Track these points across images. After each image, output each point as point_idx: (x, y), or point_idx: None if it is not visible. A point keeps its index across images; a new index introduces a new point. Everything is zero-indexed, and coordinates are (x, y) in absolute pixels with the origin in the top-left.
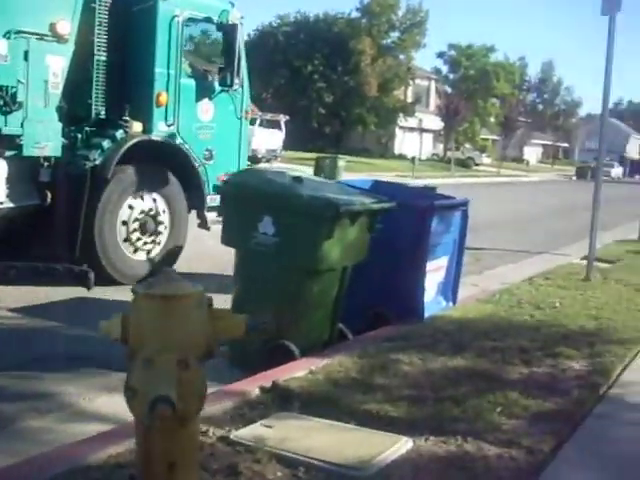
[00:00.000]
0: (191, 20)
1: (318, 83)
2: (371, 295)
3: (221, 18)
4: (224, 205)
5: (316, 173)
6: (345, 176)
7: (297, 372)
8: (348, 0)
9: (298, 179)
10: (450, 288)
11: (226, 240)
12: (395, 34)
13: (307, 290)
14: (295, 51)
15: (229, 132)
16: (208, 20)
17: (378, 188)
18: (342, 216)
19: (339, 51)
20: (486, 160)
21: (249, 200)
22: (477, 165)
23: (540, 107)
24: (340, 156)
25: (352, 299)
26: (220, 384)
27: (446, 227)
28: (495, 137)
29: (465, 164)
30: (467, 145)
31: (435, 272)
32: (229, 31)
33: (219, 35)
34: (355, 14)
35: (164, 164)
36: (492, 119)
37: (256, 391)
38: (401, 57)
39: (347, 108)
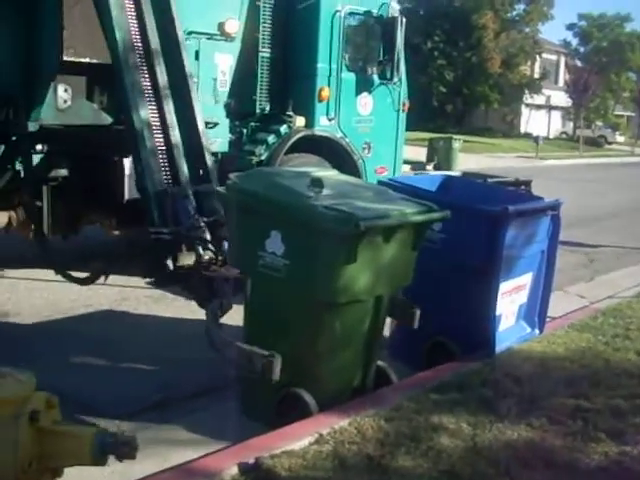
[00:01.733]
0: (352, 14)
1: (438, 60)
2: (430, 321)
3: (381, 11)
4: (227, 216)
5: (429, 155)
6: (461, 158)
7: (297, 440)
8: None
9: (317, 182)
10: (536, 312)
11: (232, 260)
12: (520, 6)
13: (327, 326)
14: (414, 27)
15: (387, 125)
16: (368, 14)
17: (449, 186)
18: (367, 233)
19: (460, 26)
20: (620, 138)
21: (255, 210)
22: (610, 144)
23: None
24: (455, 137)
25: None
26: (218, 441)
27: (529, 237)
28: (630, 114)
29: (596, 143)
30: (599, 123)
31: (514, 293)
32: (389, 24)
33: (379, 28)
34: None
35: (326, 158)
36: (626, 94)
37: (232, 471)
38: (527, 30)
39: (469, 86)
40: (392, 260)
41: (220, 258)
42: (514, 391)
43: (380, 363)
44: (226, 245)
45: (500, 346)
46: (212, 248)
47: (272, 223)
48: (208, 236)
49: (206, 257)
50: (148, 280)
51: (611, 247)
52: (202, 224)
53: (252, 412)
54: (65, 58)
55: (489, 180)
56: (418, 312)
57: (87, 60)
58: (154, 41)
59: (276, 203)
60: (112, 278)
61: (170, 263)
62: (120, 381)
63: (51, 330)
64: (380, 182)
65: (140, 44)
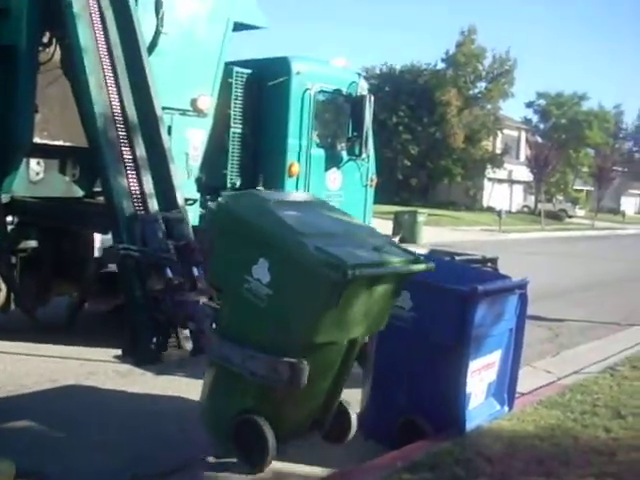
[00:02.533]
0: (322, 92)
1: (403, 135)
2: (402, 398)
3: (350, 90)
4: (212, 233)
5: (395, 229)
6: (426, 231)
7: None
8: (433, 51)
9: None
10: (505, 389)
11: (212, 277)
12: (482, 84)
13: None
14: (380, 103)
15: (356, 200)
16: (338, 92)
17: None
18: (355, 280)
19: (424, 102)
20: (580, 212)
21: (245, 235)
22: (570, 217)
23: (638, 155)
24: (420, 210)
25: (379, 403)
26: None
27: (498, 315)
28: (589, 188)
29: (557, 216)
30: (559, 197)
31: (484, 370)
32: (358, 102)
33: (348, 106)
34: (441, 65)
35: None
36: (585, 169)
37: None
38: (488, 107)
39: (433, 160)
40: (373, 307)
41: (189, 283)
42: (486, 470)
43: (343, 404)
44: (196, 271)
45: (470, 424)
46: (180, 271)
47: (261, 251)
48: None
49: (175, 281)
50: (115, 354)
51: (576, 321)
52: (171, 247)
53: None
54: (38, 140)
55: (457, 258)
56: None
57: (60, 143)
58: (132, 116)
59: (268, 234)
60: (78, 351)
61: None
62: (89, 460)
63: (16, 407)
64: None
65: (120, 118)
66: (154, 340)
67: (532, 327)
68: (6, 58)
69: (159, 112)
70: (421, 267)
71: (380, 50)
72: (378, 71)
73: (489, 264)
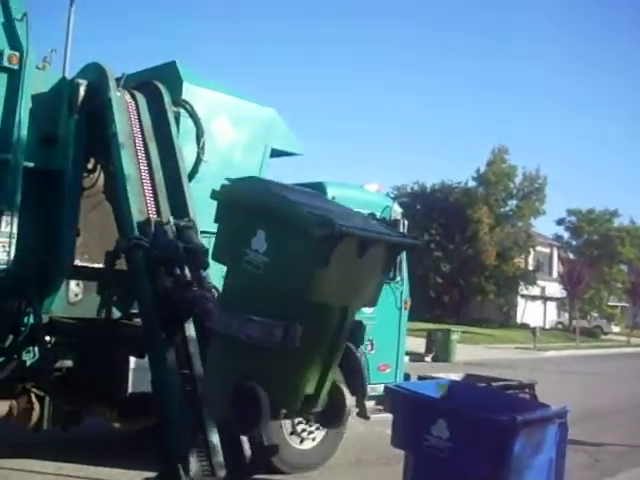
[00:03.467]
0: None
1: (435, 252)
2: None
3: (383, 214)
4: (218, 215)
5: (428, 346)
6: (460, 349)
7: None
8: (464, 169)
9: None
10: None
11: (216, 255)
12: (513, 202)
13: None
14: (412, 221)
15: (389, 323)
16: (371, 216)
17: (455, 391)
18: (344, 239)
19: (456, 220)
20: (615, 329)
21: (244, 210)
22: (606, 334)
23: None
24: (453, 328)
25: None
26: None
27: (538, 446)
28: (624, 304)
29: (592, 333)
30: (594, 313)
31: None
32: (391, 226)
33: None
34: (472, 183)
35: None
36: (619, 285)
37: None
38: (520, 225)
39: (465, 277)
40: (363, 274)
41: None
42: None
43: (337, 383)
44: (203, 272)
45: None
46: (189, 269)
47: (259, 222)
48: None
49: (184, 279)
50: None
51: (615, 445)
52: (180, 247)
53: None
54: (78, 263)
55: (493, 384)
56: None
57: (100, 266)
58: None
59: (267, 204)
60: (109, 472)
61: None
62: None
63: None
64: (386, 388)
65: None
66: (187, 465)
67: (570, 452)
68: (53, 183)
69: (199, 238)
70: (408, 242)
71: (411, 169)
72: (409, 189)
73: (527, 390)
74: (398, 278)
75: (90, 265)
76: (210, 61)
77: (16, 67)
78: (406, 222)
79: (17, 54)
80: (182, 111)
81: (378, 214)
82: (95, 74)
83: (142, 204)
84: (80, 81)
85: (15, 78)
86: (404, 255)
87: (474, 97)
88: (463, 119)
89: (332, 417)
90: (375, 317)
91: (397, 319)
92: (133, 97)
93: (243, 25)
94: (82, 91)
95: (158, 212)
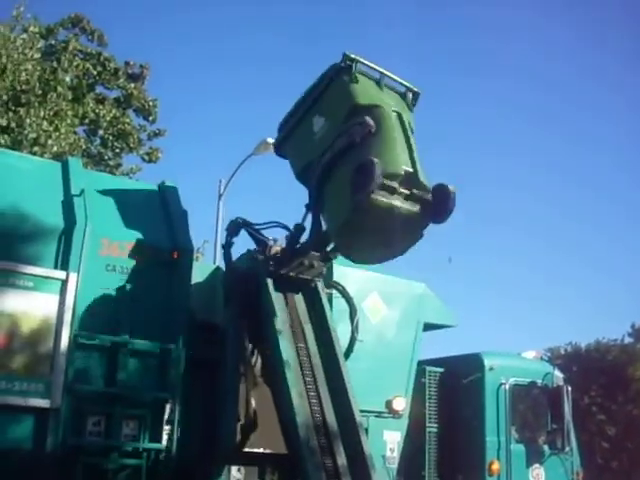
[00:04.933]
0: (516, 386)
1: (598, 415)
2: None
3: (545, 380)
4: None
5: None
6: None
7: None
8: (619, 325)
9: None
10: None
11: None
12: None
13: None
14: (570, 384)
15: None
16: (533, 384)
17: None
18: None
19: (617, 380)
20: None
21: None
22: None
23: None
24: None
25: None
26: None
27: None
28: None
29: None
30: None
31: None
32: (555, 393)
33: (545, 397)
34: (628, 339)
35: None
36: None
37: None
38: None
39: (633, 440)
40: None
41: None
42: None
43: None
44: None
45: None
46: None
47: None
48: None
49: None
50: None
51: None
52: None
53: None
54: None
55: None
56: None
57: (260, 450)
58: (332, 423)
59: None
60: None
61: None
62: None
63: None
64: None
65: (321, 426)
66: None
67: None
68: (213, 371)
69: (358, 418)
70: None
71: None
72: (563, 351)
73: None
74: (567, 448)
75: (250, 450)
76: None
77: (176, 261)
78: (569, 389)
79: (177, 249)
80: (334, 292)
81: (539, 382)
82: (248, 262)
83: (302, 389)
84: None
85: (176, 271)
86: (570, 423)
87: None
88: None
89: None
90: None
91: None
92: None
93: None
94: (237, 280)
95: (318, 398)
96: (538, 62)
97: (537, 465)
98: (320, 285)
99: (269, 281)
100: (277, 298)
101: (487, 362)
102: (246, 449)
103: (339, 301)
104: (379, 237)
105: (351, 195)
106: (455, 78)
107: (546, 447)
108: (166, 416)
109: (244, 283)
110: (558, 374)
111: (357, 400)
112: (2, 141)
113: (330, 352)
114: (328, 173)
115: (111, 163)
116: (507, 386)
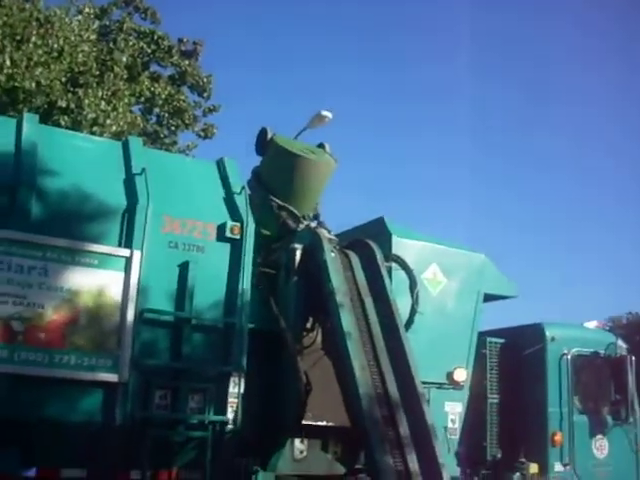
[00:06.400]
0: (579, 356)
1: None
2: None
3: (608, 351)
4: None
5: None
6: None
7: None
8: None
9: None
10: None
11: None
12: None
13: None
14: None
15: (625, 467)
16: (595, 354)
17: None
18: None
19: None
20: None
21: None
22: None
23: None
24: None
25: None
26: None
27: None
28: None
29: None
30: None
31: None
32: (618, 363)
33: (608, 368)
34: None
35: None
36: None
37: None
38: None
39: None
40: None
41: None
42: None
43: None
44: None
45: None
46: None
47: None
48: None
49: None
50: None
51: None
52: None
53: None
54: (302, 421)
55: None
56: None
57: (323, 423)
58: (395, 394)
59: None
60: None
61: None
62: None
63: None
64: None
65: (383, 397)
66: None
67: None
68: (274, 344)
69: (420, 389)
70: None
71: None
72: (625, 321)
73: None
74: (631, 419)
75: (313, 423)
76: None
77: (238, 237)
78: (633, 358)
79: (238, 225)
80: (394, 265)
81: (602, 352)
82: (309, 238)
83: (363, 361)
84: (296, 246)
85: (237, 247)
86: (634, 393)
87: None
88: None
89: None
90: (610, 462)
91: (634, 463)
92: (347, 256)
93: None
94: (298, 255)
95: (379, 369)
96: None
97: (600, 436)
98: (380, 258)
99: (329, 255)
100: (337, 271)
101: (549, 332)
102: (310, 422)
103: (399, 273)
104: None
105: None
106: None
107: (609, 418)
108: (230, 389)
109: (305, 258)
110: (621, 344)
111: (418, 372)
112: (62, 122)
113: (391, 324)
114: None
115: (167, 141)
116: (569, 356)
